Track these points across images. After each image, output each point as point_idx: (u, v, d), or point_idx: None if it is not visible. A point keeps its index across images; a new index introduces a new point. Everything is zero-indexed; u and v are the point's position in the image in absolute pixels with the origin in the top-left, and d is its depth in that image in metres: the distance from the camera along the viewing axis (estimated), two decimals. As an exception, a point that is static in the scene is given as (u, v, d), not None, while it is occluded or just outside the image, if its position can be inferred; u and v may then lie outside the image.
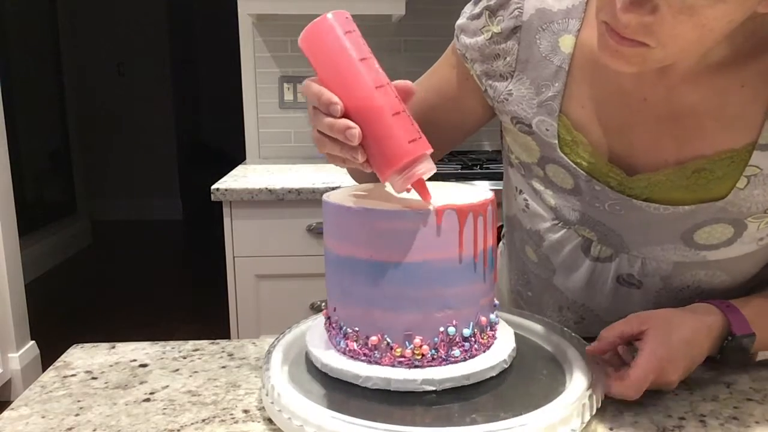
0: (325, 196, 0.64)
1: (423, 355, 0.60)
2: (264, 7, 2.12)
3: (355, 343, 0.61)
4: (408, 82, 0.60)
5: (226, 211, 1.92)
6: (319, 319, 0.71)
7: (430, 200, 0.59)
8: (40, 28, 4.02)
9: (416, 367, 0.60)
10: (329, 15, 0.58)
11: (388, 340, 0.60)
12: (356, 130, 0.56)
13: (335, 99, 0.56)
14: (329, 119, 0.57)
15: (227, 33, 4.21)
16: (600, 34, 0.58)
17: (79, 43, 4.69)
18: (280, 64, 2.39)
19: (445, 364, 0.60)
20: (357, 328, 0.61)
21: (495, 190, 0.66)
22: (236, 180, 2.03)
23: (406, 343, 0.60)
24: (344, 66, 0.57)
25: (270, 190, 1.89)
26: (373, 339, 0.60)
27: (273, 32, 2.36)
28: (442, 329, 0.60)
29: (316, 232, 1.92)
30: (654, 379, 0.60)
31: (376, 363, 0.61)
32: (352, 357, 0.62)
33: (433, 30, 2.38)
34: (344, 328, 0.62)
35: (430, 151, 0.59)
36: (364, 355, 0.61)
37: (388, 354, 0.60)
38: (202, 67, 6.01)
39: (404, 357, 0.60)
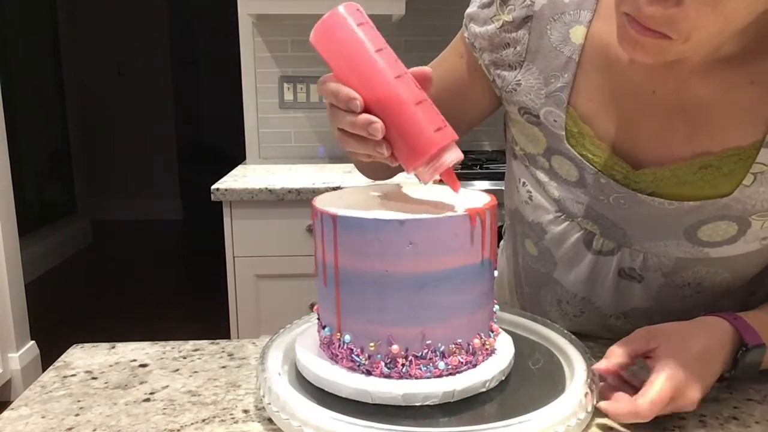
0: (344, 213, 0.57)
1: (449, 364, 0.58)
2: (264, 7, 2.12)
3: (381, 361, 0.58)
4: (425, 68, 0.58)
5: (226, 211, 1.92)
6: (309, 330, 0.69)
7: (459, 189, 0.59)
8: (40, 28, 4.02)
9: (363, 372, 0.58)
10: (340, 8, 0.56)
11: (414, 353, 0.58)
12: (379, 125, 0.54)
13: (354, 94, 0.55)
14: (350, 116, 0.55)
15: (227, 33, 4.21)
16: (620, 26, 0.57)
17: (79, 43, 4.69)
18: (280, 64, 2.39)
19: (457, 372, 0.60)
20: (380, 346, 0.58)
21: (495, 191, 0.66)
22: (236, 180, 2.03)
23: (429, 354, 0.58)
24: (360, 59, 0.55)
25: (270, 190, 1.89)
26: (395, 351, 0.58)
27: (273, 32, 2.36)
28: (460, 336, 0.59)
29: (316, 232, 1.92)
30: (673, 400, 0.56)
31: (389, 377, 0.58)
32: (364, 373, 0.59)
33: (433, 30, 2.38)
34: (365, 346, 0.59)
35: (456, 138, 0.57)
36: (380, 373, 0.58)
37: (410, 367, 0.58)
38: (202, 67, 6.01)
39: (426, 369, 0.58)
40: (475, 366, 0.60)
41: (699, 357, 0.59)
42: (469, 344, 0.59)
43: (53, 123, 4.23)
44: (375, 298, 0.57)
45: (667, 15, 0.52)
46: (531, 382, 0.63)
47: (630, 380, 0.62)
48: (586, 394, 0.57)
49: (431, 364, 0.58)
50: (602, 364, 0.60)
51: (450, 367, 0.59)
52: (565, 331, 0.71)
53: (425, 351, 0.58)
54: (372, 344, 0.58)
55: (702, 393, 0.58)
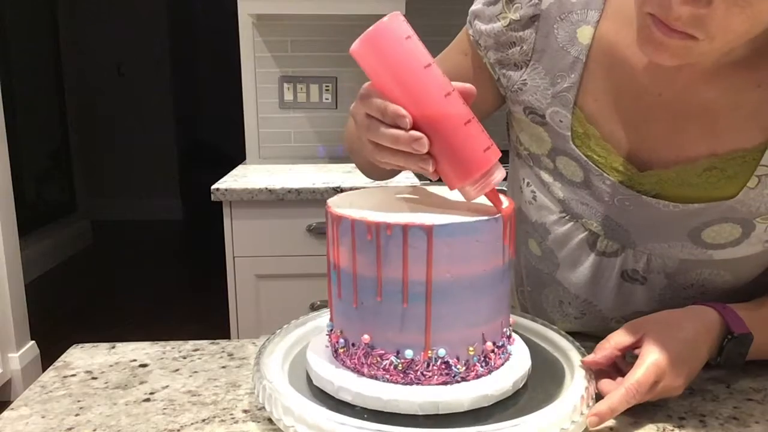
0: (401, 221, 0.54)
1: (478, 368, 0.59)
2: (264, 7, 2.12)
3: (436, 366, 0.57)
4: (470, 86, 0.57)
5: (226, 211, 1.92)
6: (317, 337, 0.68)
7: (503, 207, 0.58)
8: (40, 28, 4.02)
9: (459, 381, 0.58)
10: (386, 19, 0.54)
11: (497, 344, 0.59)
12: (424, 140, 0.53)
13: (403, 111, 0.53)
14: (393, 131, 0.54)
15: (227, 33, 4.22)
16: (643, 27, 0.56)
17: (79, 43, 4.69)
18: (280, 64, 2.39)
19: (478, 377, 0.60)
20: (448, 356, 0.57)
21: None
22: (236, 180, 2.03)
23: (504, 341, 0.60)
24: (409, 76, 0.54)
25: (270, 190, 1.89)
26: (488, 348, 0.58)
27: (273, 32, 2.36)
28: (488, 339, 0.60)
29: (316, 232, 1.92)
30: (658, 386, 0.58)
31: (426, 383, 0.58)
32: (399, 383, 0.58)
33: (433, 30, 2.37)
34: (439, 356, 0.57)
35: (500, 155, 0.57)
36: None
37: (495, 360, 0.59)
38: (202, 67, 6.01)
39: (503, 357, 0.61)
40: (513, 344, 0.65)
41: (684, 343, 0.61)
42: (511, 324, 0.64)
43: (53, 123, 4.22)
44: (471, 302, 0.57)
45: (696, 15, 0.51)
46: (532, 385, 0.63)
47: (618, 364, 0.64)
48: (586, 388, 0.58)
49: (504, 351, 0.61)
50: (590, 357, 0.62)
51: (512, 348, 0.63)
52: (554, 326, 0.72)
53: (503, 340, 0.60)
54: (471, 348, 0.57)
55: (687, 379, 0.60)
